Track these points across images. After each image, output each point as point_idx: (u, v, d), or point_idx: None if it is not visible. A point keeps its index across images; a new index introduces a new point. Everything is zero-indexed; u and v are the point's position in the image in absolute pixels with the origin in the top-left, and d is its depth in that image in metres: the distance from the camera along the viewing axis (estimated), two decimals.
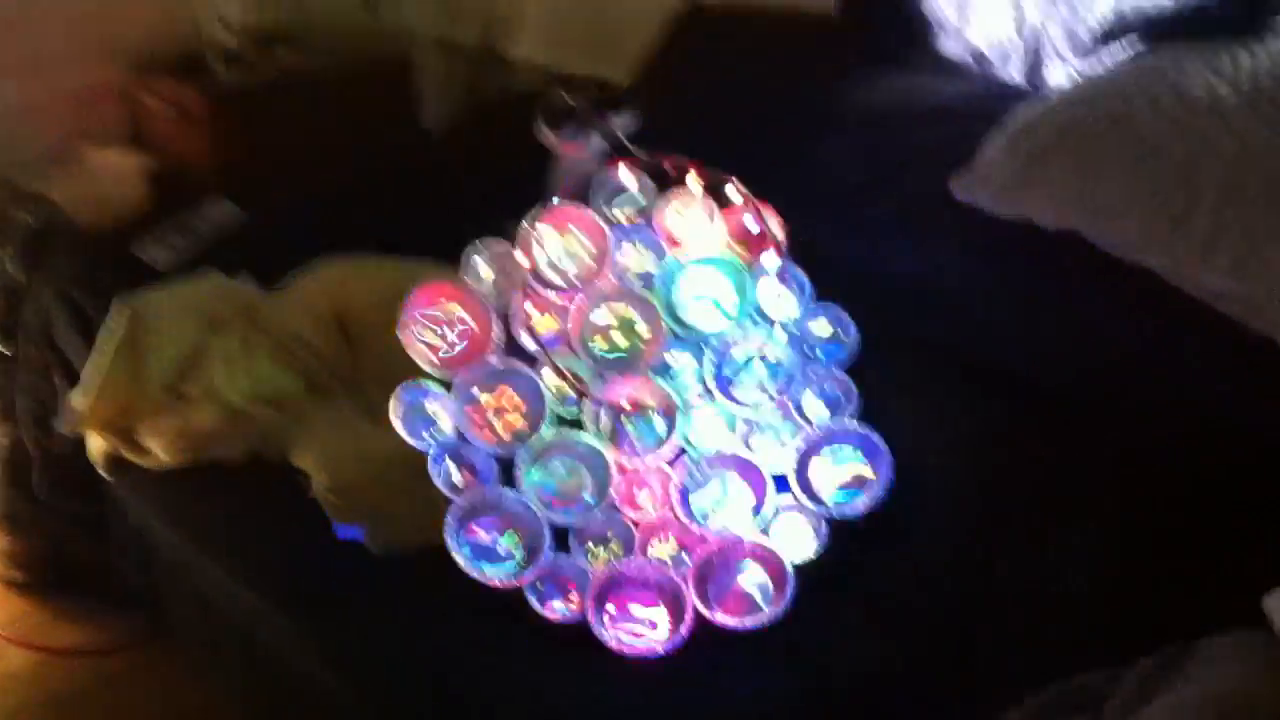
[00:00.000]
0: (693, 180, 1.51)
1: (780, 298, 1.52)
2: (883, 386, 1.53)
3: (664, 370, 1.52)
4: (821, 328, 1.56)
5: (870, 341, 1.53)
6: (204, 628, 1.80)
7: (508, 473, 1.45)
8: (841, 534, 1.44)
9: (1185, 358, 1.39)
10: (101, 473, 1.77)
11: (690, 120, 1.87)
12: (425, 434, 1.47)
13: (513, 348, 1.51)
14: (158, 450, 1.72)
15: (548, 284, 1.51)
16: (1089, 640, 1.28)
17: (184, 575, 1.75)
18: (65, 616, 2.19)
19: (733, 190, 1.53)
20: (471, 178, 2.05)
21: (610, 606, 1.40)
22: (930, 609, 1.37)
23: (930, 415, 1.54)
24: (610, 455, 1.44)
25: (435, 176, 2.10)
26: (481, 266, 1.53)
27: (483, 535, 1.42)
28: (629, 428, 1.47)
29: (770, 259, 1.51)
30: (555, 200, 1.49)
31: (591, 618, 1.38)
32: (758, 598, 1.41)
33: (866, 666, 1.32)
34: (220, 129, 2.33)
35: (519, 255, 1.46)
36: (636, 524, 1.46)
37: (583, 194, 1.54)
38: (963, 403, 1.54)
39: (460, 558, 1.38)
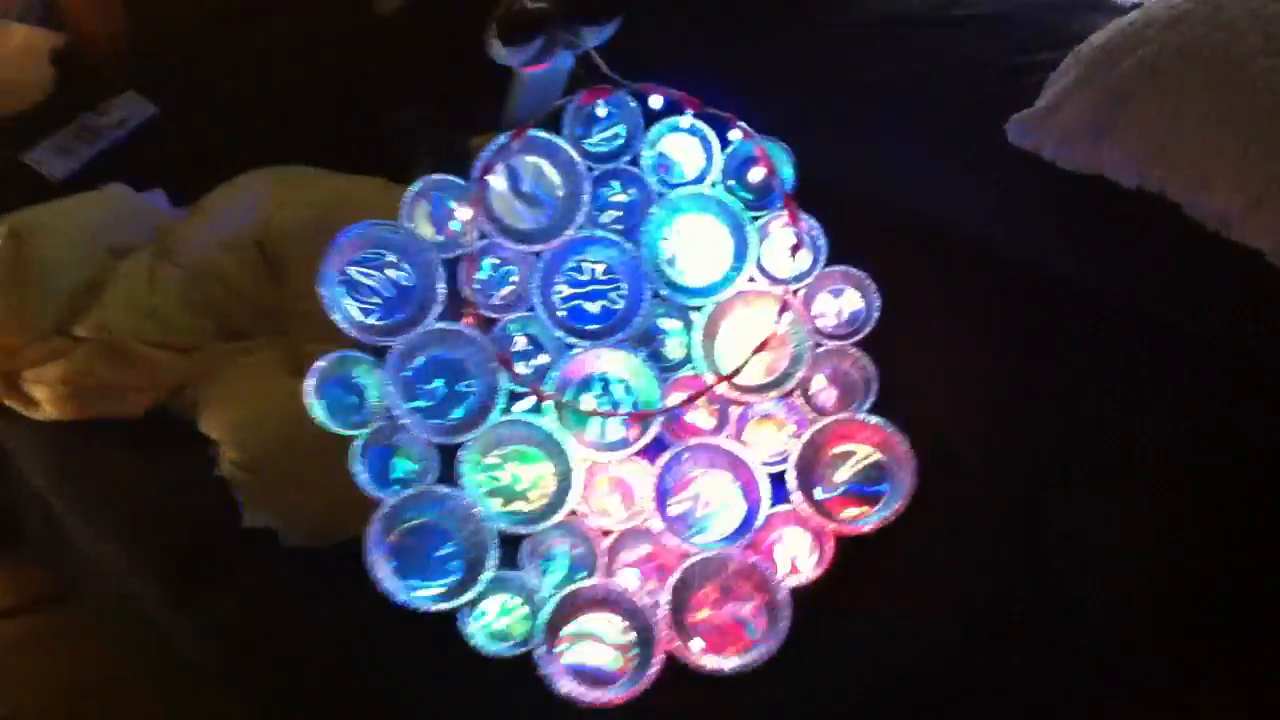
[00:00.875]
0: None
1: (793, 258, 1.25)
2: (909, 349, 1.28)
3: (648, 338, 1.26)
4: (837, 303, 1.28)
5: (894, 299, 1.26)
6: (96, 597, 1.55)
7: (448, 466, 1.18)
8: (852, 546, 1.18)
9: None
10: None
11: (678, 27, 1.55)
12: (348, 416, 1.20)
13: (458, 307, 1.24)
14: (43, 400, 1.44)
15: (508, 232, 1.23)
16: (1139, 628, 1.13)
17: (74, 542, 1.48)
18: None
19: (737, 135, 1.25)
20: (427, 72, 1.74)
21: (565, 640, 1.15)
22: (970, 591, 1.17)
23: (963, 381, 1.28)
24: (573, 447, 1.17)
25: (385, 71, 1.78)
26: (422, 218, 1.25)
27: (414, 546, 1.16)
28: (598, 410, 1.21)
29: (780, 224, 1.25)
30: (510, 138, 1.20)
31: (539, 652, 1.12)
32: (748, 628, 1.15)
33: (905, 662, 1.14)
34: (138, 5, 1.99)
35: (466, 211, 1.18)
36: (602, 534, 1.20)
37: (547, 119, 1.25)
38: (999, 366, 1.27)
39: (383, 576, 1.12)
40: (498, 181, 1.20)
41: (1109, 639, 1.13)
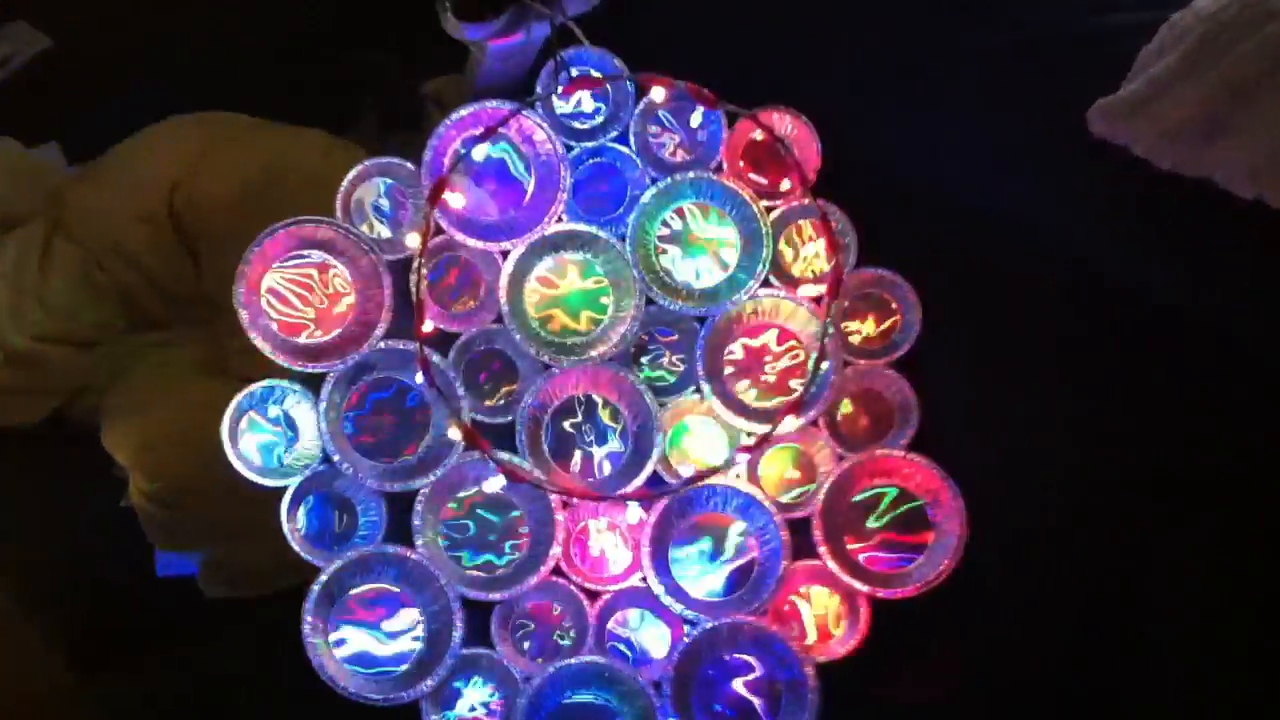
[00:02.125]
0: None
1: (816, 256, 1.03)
2: (951, 364, 1.08)
3: (641, 354, 1.04)
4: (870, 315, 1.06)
5: (938, 312, 1.04)
6: None
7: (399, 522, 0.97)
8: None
9: None
10: None
11: None
12: (277, 457, 0.98)
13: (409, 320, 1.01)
14: None
15: (469, 227, 1.00)
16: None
17: None
18: None
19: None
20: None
21: None
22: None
23: (1009, 405, 1.08)
24: (554, 488, 0.97)
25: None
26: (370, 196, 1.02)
27: (361, 615, 0.95)
28: (583, 442, 1.00)
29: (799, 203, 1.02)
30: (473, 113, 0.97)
31: None
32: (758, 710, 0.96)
33: None
34: None
35: (413, 237, 0.95)
36: (591, 596, 1.00)
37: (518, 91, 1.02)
38: (1051, 387, 1.08)
39: (323, 660, 0.92)
40: (455, 199, 0.97)
41: None
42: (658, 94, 0.97)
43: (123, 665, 1.07)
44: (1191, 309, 1.04)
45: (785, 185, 1.03)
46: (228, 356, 1.14)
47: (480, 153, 0.96)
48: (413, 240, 0.93)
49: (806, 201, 1.01)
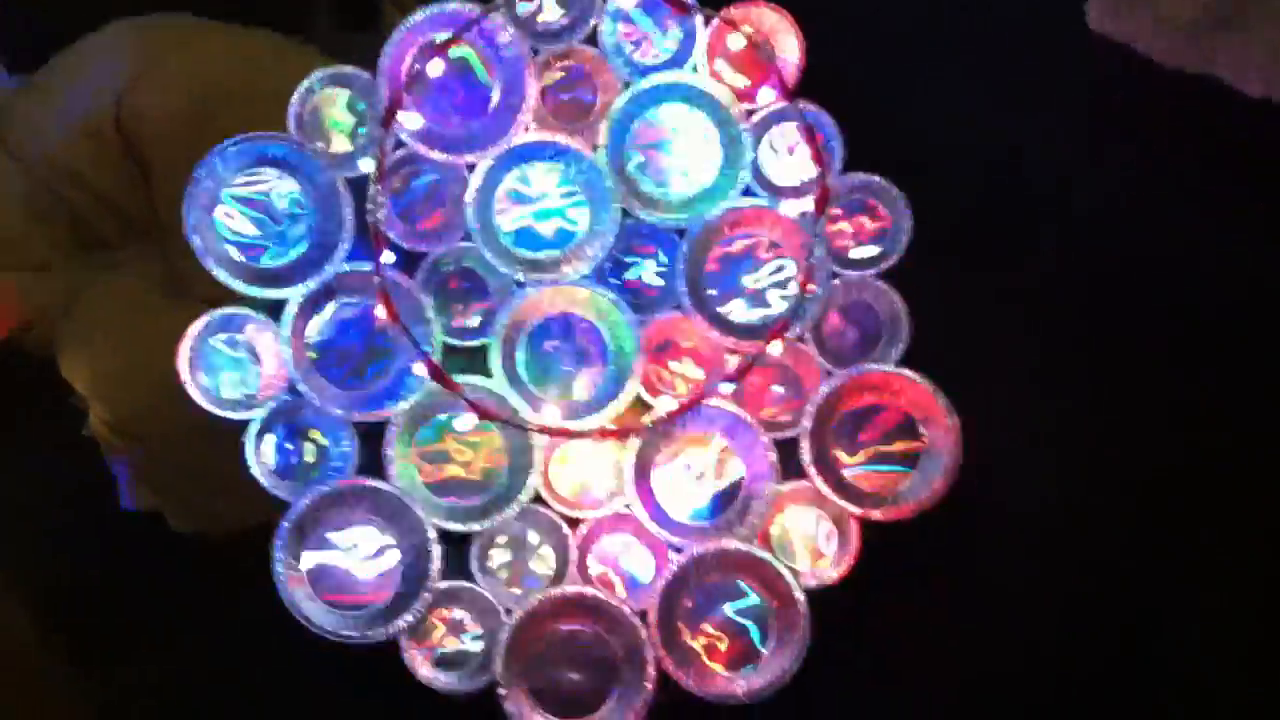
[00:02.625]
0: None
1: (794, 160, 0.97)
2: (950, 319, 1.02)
3: (616, 271, 0.99)
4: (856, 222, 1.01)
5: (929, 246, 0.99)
6: None
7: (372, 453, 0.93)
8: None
9: None
10: None
11: None
12: (239, 388, 0.93)
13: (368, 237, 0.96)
14: None
15: (431, 139, 0.94)
16: None
17: None
18: None
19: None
20: None
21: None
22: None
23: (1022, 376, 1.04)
24: (529, 425, 0.92)
25: None
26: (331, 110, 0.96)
27: (336, 552, 0.91)
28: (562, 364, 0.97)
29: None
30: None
31: (503, 683, 0.90)
32: (753, 637, 0.93)
33: None
34: None
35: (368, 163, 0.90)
36: (572, 524, 0.96)
37: None
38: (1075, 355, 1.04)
39: (296, 597, 0.88)
40: (411, 119, 0.90)
41: None
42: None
43: (95, 603, 1.03)
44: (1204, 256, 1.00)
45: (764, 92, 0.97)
46: (186, 278, 1.09)
47: (436, 67, 0.90)
48: (366, 165, 0.87)
49: (787, 106, 0.95)
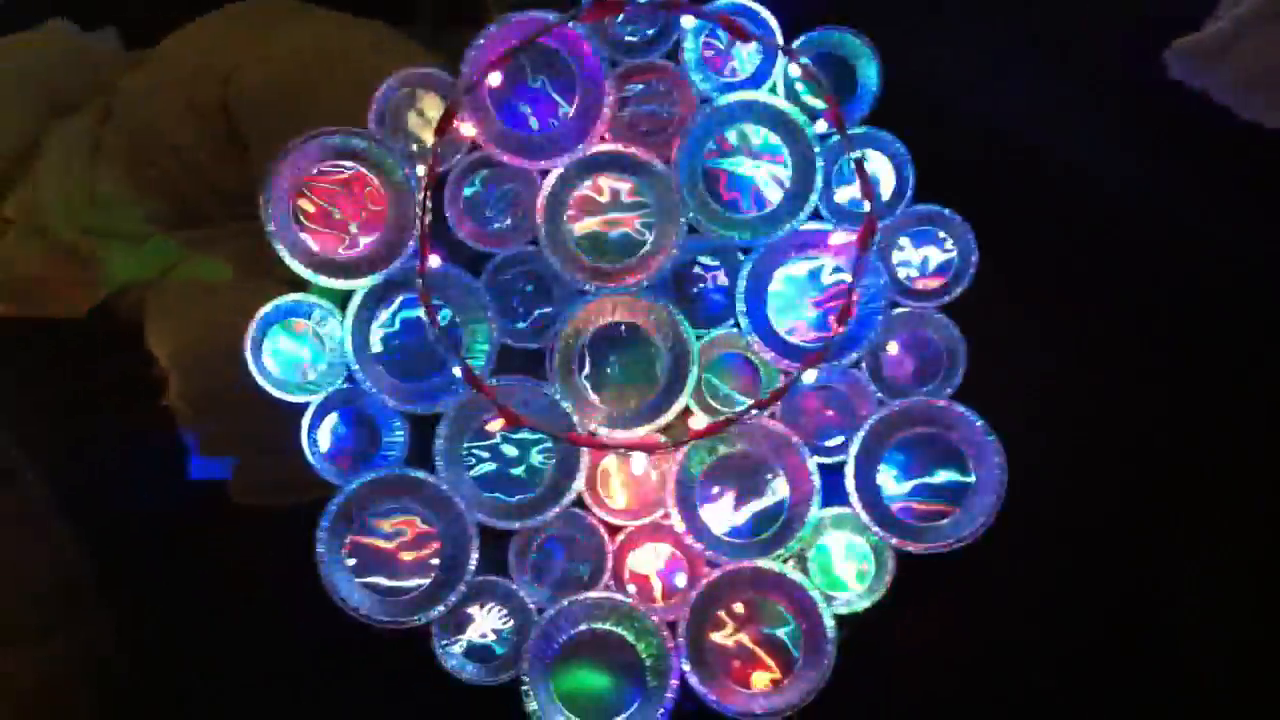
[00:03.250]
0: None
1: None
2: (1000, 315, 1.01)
3: (679, 285, 1.00)
4: (921, 253, 1.01)
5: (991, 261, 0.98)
6: None
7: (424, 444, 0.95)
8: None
9: None
10: None
11: None
12: (300, 375, 0.97)
13: (444, 238, 0.98)
14: None
15: (507, 142, 0.96)
16: None
17: None
18: None
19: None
20: None
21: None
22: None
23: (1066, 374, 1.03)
24: (557, 433, 0.94)
25: None
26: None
27: (379, 537, 0.94)
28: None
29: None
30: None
31: (529, 677, 0.92)
32: (780, 657, 0.94)
33: None
34: None
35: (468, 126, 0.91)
36: (613, 530, 0.98)
37: None
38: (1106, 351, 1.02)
39: (336, 578, 0.91)
40: (467, 129, 0.93)
41: None
42: (687, 22, 0.92)
43: (148, 564, 1.08)
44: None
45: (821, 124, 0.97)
46: (271, 258, 1.12)
47: (496, 77, 0.92)
48: (420, 169, 0.90)
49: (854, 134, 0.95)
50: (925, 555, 0.93)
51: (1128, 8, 1.01)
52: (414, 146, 0.98)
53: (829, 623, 0.92)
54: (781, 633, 0.94)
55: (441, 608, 0.92)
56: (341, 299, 0.95)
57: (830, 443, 0.98)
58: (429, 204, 0.90)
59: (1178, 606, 0.98)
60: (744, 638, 0.94)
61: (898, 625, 0.97)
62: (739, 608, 0.94)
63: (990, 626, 1.01)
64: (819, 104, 0.96)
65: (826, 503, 0.95)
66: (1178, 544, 0.99)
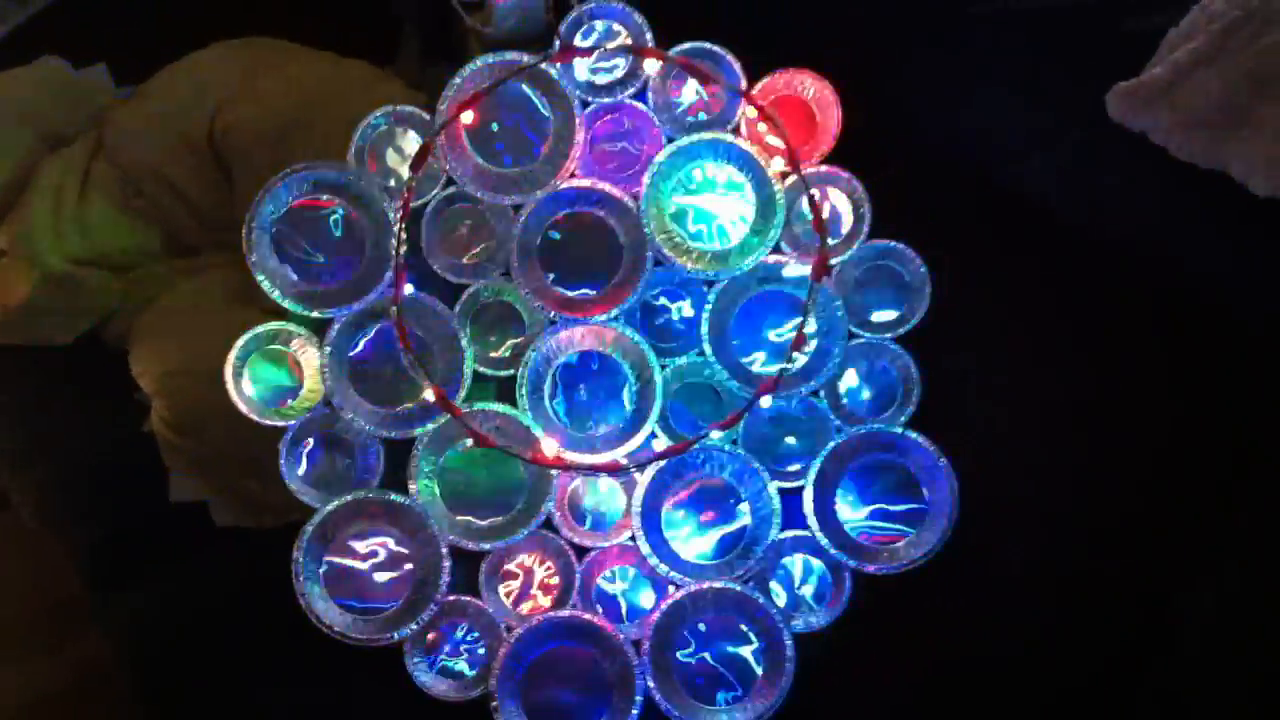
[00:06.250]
0: None
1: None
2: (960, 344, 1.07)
3: (645, 315, 1.04)
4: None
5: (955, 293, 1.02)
6: None
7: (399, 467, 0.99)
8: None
9: None
10: None
11: None
12: (279, 400, 1.00)
13: (419, 269, 1.02)
14: None
15: (482, 178, 1.00)
16: None
17: None
18: None
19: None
20: None
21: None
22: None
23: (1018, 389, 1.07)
24: (522, 454, 0.97)
25: None
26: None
27: (354, 558, 0.97)
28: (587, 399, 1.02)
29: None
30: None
31: (497, 696, 0.95)
32: (740, 674, 0.97)
33: None
34: None
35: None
36: (579, 552, 1.01)
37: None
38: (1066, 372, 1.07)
39: (311, 598, 0.94)
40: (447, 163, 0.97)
41: None
42: (651, 66, 0.96)
43: (136, 583, 1.11)
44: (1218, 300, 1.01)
45: (786, 161, 1.01)
46: (254, 287, 1.16)
47: (469, 116, 0.96)
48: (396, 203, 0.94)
49: (805, 172, 0.99)
50: (881, 575, 0.95)
51: (1085, 47, 1.05)
52: (391, 181, 1.02)
53: (788, 641, 0.95)
54: (744, 651, 0.97)
55: (414, 626, 0.95)
56: (320, 327, 0.99)
57: (791, 468, 1.01)
58: (405, 236, 0.94)
59: (1182, 618, 1.00)
60: (707, 655, 0.97)
61: (890, 635, 1.00)
62: (702, 627, 0.97)
63: (988, 631, 1.03)
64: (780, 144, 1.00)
65: (786, 525, 0.98)
66: (1178, 546, 1.02)
